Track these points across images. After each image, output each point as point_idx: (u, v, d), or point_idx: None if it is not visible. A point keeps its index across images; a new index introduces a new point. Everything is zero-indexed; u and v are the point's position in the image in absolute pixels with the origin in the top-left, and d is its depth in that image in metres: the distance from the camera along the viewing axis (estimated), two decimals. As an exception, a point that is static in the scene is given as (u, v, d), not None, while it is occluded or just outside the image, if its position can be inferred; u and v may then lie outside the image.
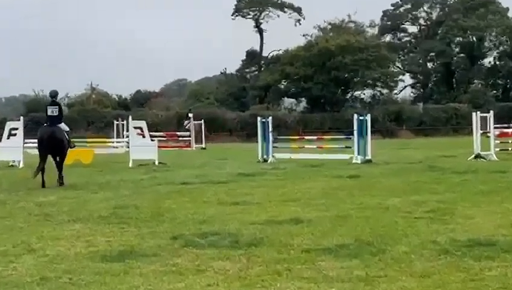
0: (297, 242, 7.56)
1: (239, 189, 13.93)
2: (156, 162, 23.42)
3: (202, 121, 43.32)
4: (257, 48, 78.50)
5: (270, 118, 25.33)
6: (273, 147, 24.78)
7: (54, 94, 17.11)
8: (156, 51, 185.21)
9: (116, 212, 10.36)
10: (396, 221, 8.96)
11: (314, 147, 26.23)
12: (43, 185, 15.21)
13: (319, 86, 67.58)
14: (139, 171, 20.47)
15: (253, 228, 8.62)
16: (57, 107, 16.51)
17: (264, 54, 78.44)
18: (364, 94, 74.53)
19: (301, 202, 11.36)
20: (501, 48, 75.39)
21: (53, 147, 15.98)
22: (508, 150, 24.95)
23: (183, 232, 8.31)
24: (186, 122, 46.64)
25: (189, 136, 40.66)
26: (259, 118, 25.67)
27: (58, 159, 16.25)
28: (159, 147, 25.94)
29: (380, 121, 62.73)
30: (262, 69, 78.01)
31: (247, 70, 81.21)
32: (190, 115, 48.00)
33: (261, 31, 77.29)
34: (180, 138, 44.95)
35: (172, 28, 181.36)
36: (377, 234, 7.86)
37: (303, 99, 74.18)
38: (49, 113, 16.32)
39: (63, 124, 16.62)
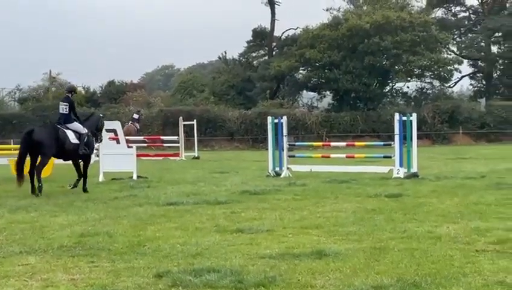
0: (320, 282, 7.57)
1: (244, 212, 13.95)
2: (135, 176, 23.46)
3: (194, 122, 43.35)
4: (267, 26, 78.61)
5: (285, 118, 25.30)
6: (289, 156, 24.79)
7: (68, 89, 21.16)
8: (135, 30, 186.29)
9: (83, 242, 10.39)
10: (452, 255, 8.96)
11: (343, 156, 26.23)
12: (32, 191, 18.11)
13: (349, 76, 67.46)
14: (112, 187, 20.52)
15: (262, 263, 8.64)
16: (68, 104, 19.59)
17: (277, 33, 78.57)
18: (408, 87, 74.36)
19: (325, 230, 11.38)
20: None
21: (28, 148, 18.58)
22: None
23: (170, 269, 8.33)
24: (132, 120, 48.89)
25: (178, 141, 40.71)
26: (269, 118, 25.66)
27: (38, 162, 18.71)
28: (138, 155, 25.97)
29: (429, 122, 62.69)
30: (274, 53, 78.05)
31: (253, 54, 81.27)
32: (136, 116, 50.09)
33: (272, 3, 77.38)
34: (166, 144, 45.15)
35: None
36: (426, 273, 7.86)
37: (327, 93, 74.12)
38: (59, 110, 19.73)
39: (75, 124, 19.60)
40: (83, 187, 19.44)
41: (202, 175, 25.01)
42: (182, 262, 8.78)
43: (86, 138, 19.69)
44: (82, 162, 19.98)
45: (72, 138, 19.27)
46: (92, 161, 21.12)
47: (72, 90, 20.95)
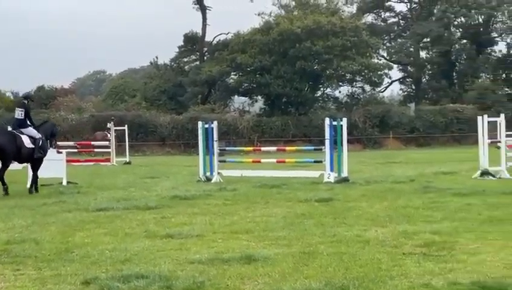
0: (249, 287, 7.57)
1: (174, 217, 13.90)
2: (64, 182, 23.22)
3: (126, 127, 43.08)
4: (198, 31, 78.47)
5: (215, 122, 25.27)
6: (219, 161, 24.76)
7: (24, 96, 22.38)
8: (64, 34, 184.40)
9: (9, 249, 10.22)
10: (379, 258, 9.03)
11: (273, 161, 26.29)
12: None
13: (280, 80, 67.63)
14: (41, 193, 20.28)
15: (191, 268, 8.61)
16: (23, 109, 20.63)
17: (208, 38, 78.50)
18: (339, 92, 74.99)
19: (255, 235, 11.39)
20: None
21: None
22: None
23: (98, 275, 8.25)
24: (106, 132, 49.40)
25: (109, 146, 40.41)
26: (200, 123, 25.61)
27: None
28: (68, 161, 25.69)
29: (359, 126, 63.27)
30: (205, 58, 77.96)
31: (185, 60, 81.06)
32: (109, 124, 50.59)
33: (203, 9, 77.32)
34: (98, 150, 44.77)
35: (85, 2, 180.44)
36: (354, 276, 7.91)
37: (259, 98, 74.21)
38: (15, 115, 20.82)
39: (30, 129, 20.68)
40: (30, 188, 20.66)
41: (133, 180, 24.88)
42: (110, 268, 8.70)
43: (40, 142, 20.78)
44: (31, 164, 21.31)
45: (28, 143, 20.42)
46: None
47: (28, 97, 22.15)
